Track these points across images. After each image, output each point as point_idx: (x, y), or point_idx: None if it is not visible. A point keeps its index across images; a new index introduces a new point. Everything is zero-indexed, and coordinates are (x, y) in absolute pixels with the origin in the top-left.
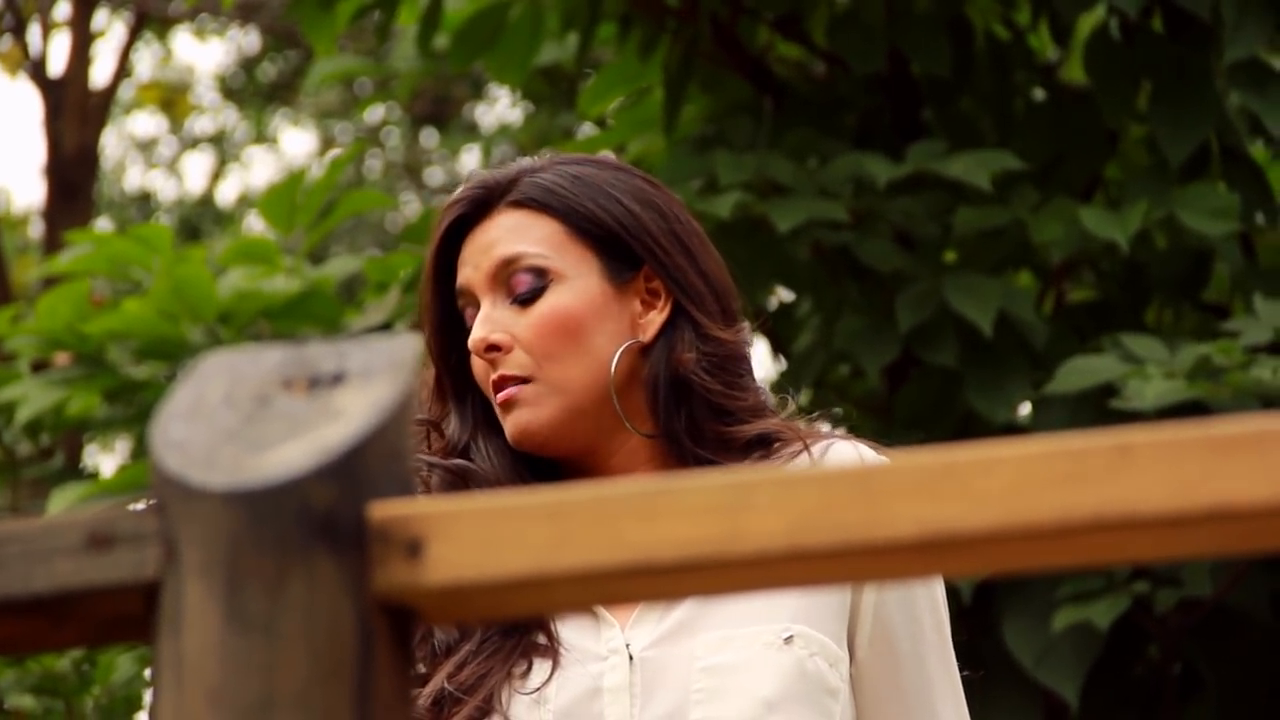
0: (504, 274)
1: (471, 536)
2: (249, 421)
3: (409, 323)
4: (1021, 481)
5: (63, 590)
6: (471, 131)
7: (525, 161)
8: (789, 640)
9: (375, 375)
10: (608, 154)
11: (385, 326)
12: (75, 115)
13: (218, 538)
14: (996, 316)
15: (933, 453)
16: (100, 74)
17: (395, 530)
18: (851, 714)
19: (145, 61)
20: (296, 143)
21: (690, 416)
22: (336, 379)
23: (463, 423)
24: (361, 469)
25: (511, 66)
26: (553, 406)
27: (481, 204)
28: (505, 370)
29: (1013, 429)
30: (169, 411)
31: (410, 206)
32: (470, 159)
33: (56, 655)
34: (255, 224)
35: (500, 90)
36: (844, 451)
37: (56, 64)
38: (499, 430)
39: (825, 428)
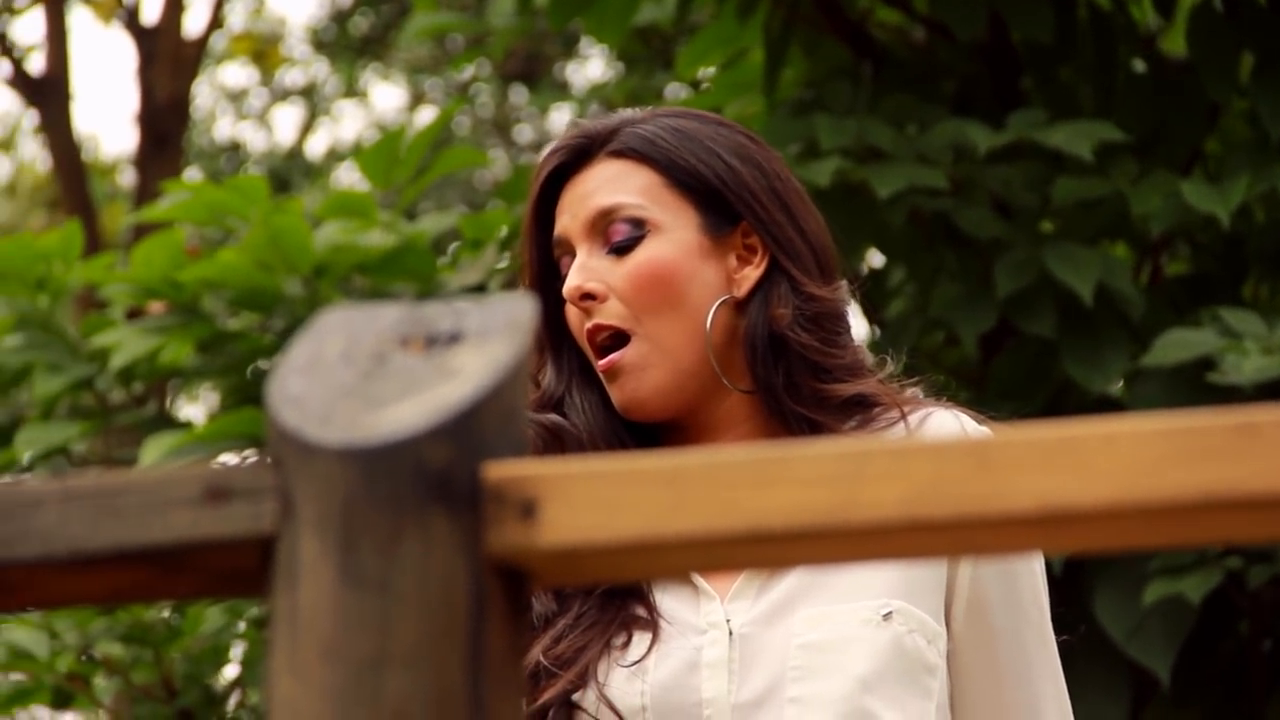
0: (601, 224)
1: (586, 499)
2: (366, 379)
3: (504, 280)
4: (1141, 458)
5: (179, 542)
6: (561, 89)
7: (627, 113)
8: (887, 617)
9: (492, 335)
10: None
11: (480, 285)
12: (168, 65)
13: (333, 494)
14: (1095, 287)
15: (1051, 426)
16: (193, 24)
17: (510, 491)
18: (948, 690)
19: (237, 12)
20: (386, 97)
21: (788, 373)
22: (453, 338)
23: (558, 374)
24: (477, 429)
25: (610, 26)
26: (659, 372)
27: (582, 153)
28: (600, 319)
29: (1107, 401)
30: (287, 366)
31: (499, 164)
32: (560, 117)
33: (146, 605)
34: (344, 177)
35: (592, 49)
36: (944, 421)
37: (150, 13)
38: (594, 383)
39: (919, 394)
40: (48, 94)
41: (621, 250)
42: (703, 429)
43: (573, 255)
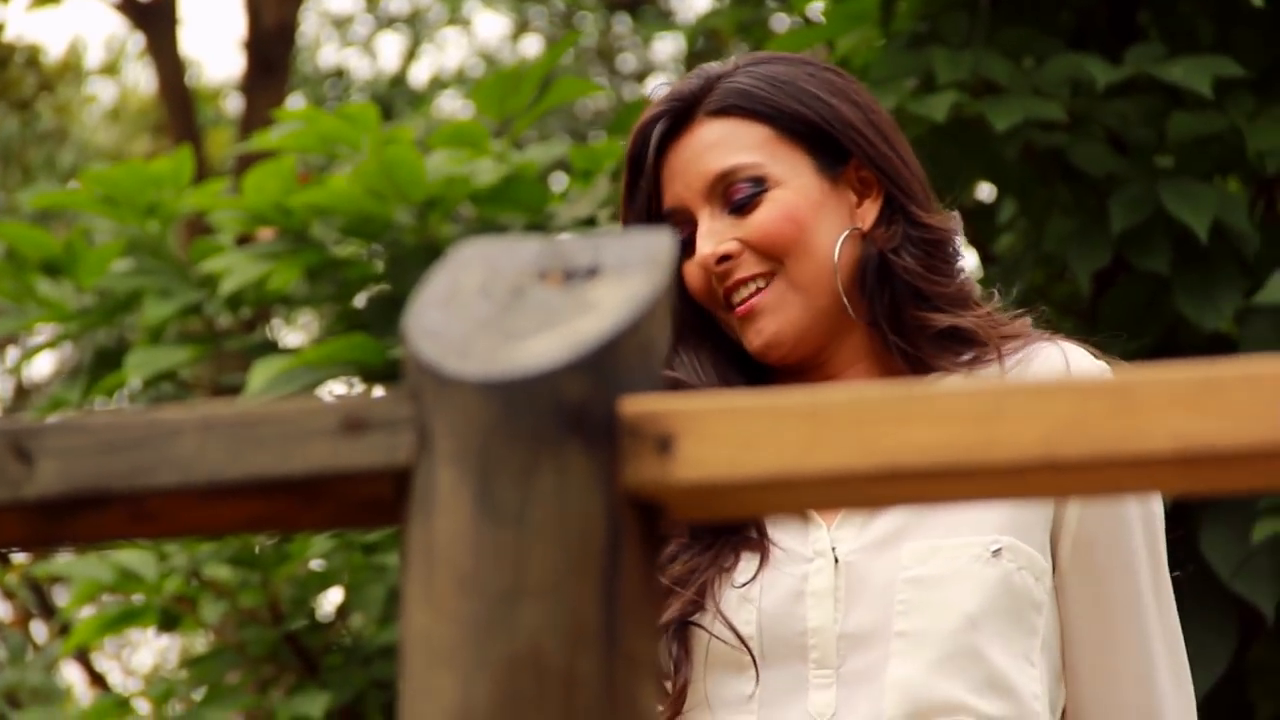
0: (720, 186)
1: (723, 434)
2: (504, 312)
3: (613, 212)
4: None
5: (316, 472)
6: (666, 19)
7: (713, 67)
8: (996, 553)
9: (630, 270)
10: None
11: (590, 218)
12: None
13: (470, 427)
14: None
15: (1192, 366)
16: None
17: (646, 425)
18: (1055, 627)
19: None
20: (490, 25)
21: (892, 300)
22: (591, 272)
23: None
24: (614, 363)
25: None
26: (796, 310)
27: (680, 116)
28: (742, 272)
29: (1220, 339)
30: (425, 299)
31: (602, 94)
32: (663, 46)
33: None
34: (447, 105)
35: None
36: (1049, 358)
37: None
38: (703, 341)
39: (1028, 327)
40: (154, 18)
41: (745, 208)
42: (824, 370)
43: (690, 223)
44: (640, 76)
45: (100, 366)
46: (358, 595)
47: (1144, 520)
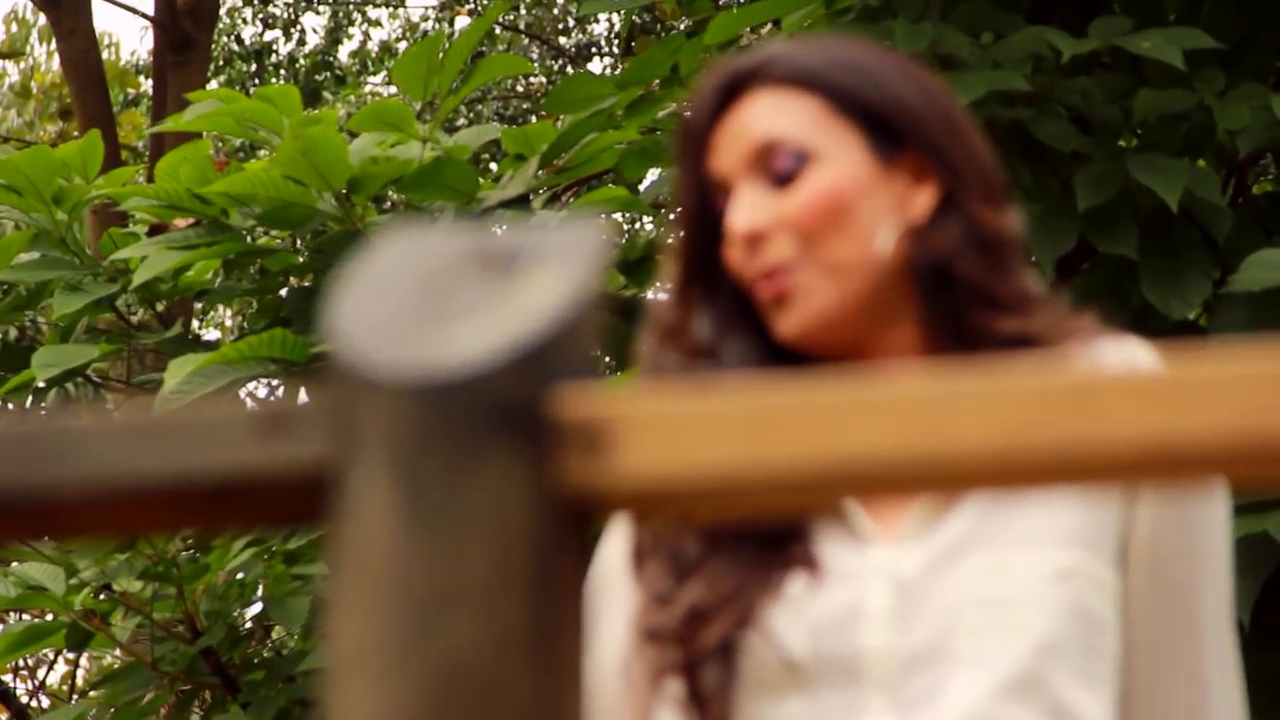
0: (762, 157)
1: (664, 434)
2: (433, 305)
3: (546, 197)
4: (1259, 393)
5: (237, 474)
6: None
7: (773, 46)
8: (1067, 574)
9: (565, 260)
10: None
11: (524, 199)
12: None
13: (397, 425)
14: (1179, 202)
15: (1163, 360)
16: None
17: (583, 425)
18: (1121, 643)
19: None
20: (418, 1)
21: (953, 305)
22: (523, 264)
23: (712, 324)
24: (547, 358)
25: None
26: (828, 297)
27: (732, 91)
28: (769, 259)
29: (1190, 326)
30: (350, 290)
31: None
32: (598, 29)
33: (168, 539)
34: (373, 85)
35: None
36: (1108, 359)
37: None
38: (752, 328)
39: (1091, 324)
40: None
41: (787, 181)
42: (871, 362)
43: (729, 195)
44: (576, 60)
45: (5, 365)
46: (279, 608)
47: (1209, 531)
